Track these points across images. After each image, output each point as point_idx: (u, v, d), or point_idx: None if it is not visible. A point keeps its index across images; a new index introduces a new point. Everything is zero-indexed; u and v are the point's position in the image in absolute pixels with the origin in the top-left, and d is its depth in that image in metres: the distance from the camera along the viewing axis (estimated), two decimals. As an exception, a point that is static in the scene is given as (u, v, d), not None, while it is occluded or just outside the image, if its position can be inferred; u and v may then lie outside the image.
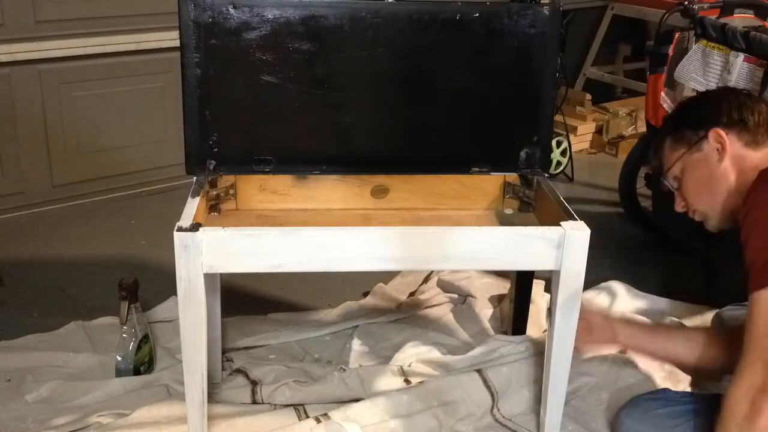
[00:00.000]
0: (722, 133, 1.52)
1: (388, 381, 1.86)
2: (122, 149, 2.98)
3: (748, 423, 1.27)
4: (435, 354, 1.99)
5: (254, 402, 1.81)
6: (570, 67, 3.73)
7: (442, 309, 2.25)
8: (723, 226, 1.59)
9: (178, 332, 2.01)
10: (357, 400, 1.77)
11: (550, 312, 1.56)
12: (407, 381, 1.86)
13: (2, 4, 2.59)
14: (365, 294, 2.35)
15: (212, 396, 1.80)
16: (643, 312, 2.24)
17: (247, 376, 1.91)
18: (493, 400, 1.80)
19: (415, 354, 1.97)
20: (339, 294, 2.33)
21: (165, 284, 2.17)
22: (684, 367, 1.84)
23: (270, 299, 2.30)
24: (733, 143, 1.52)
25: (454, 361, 1.94)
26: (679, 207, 1.63)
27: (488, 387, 1.82)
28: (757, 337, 1.31)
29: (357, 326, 2.14)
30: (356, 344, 2.06)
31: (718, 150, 1.53)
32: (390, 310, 2.24)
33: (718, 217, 1.57)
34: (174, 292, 2.10)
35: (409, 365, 1.93)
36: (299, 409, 1.77)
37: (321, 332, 2.12)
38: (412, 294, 2.36)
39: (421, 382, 1.83)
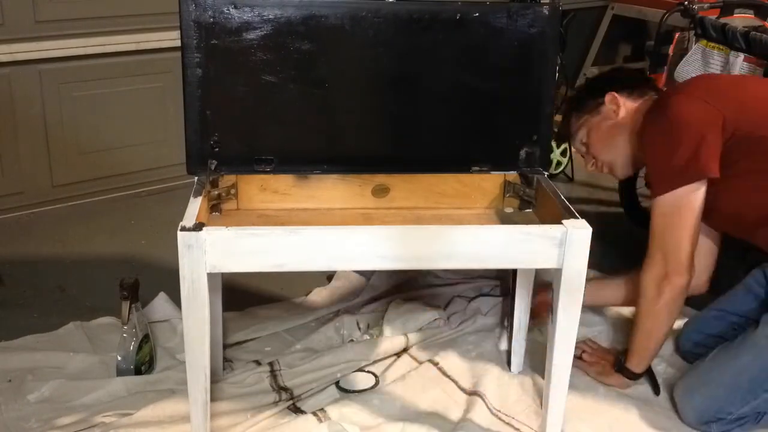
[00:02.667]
0: (615, 94, 1.87)
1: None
2: (122, 149, 2.98)
3: (654, 302, 1.75)
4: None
5: (279, 388, 1.86)
6: (570, 67, 3.73)
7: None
8: (629, 171, 1.95)
9: (175, 331, 2.05)
10: (362, 370, 1.92)
11: (552, 310, 1.57)
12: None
13: (2, 4, 2.59)
14: (329, 278, 2.40)
15: (218, 392, 1.81)
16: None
17: (259, 363, 1.95)
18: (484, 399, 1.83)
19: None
20: (302, 281, 2.37)
21: (165, 284, 2.19)
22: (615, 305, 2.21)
23: (237, 292, 2.27)
24: (624, 101, 1.88)
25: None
26: (589, 166, 1.97)
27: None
28: (655, 235, 1.73)
29: (339, 310, 2.21)
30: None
31: (613, 110, 1.88)
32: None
33: (623, 164, 1.91)
34: (167, 290, 2.16)
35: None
36: (298, 409, 1.79)
37: (306, 319, 2.16)
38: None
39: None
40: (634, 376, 1.87)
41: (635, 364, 1.85)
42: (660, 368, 1.96)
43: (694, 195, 1.69)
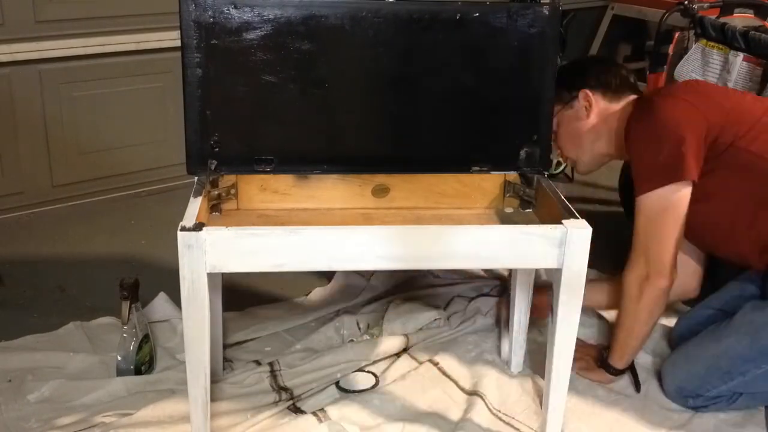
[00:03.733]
0: (590, 93, 1.87)
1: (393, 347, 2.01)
2: (122, 149, 2.98)
3: (635, 302, 1.76)
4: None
5: (279, 388, 1.85)
6: (569, 66, 3.73)
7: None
8: (592, 168, 1.99)
9: (175, 331, 2.05)
10: (362, 370, 1.92)
11: (552, 310, 1.57)
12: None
13: (2, 4, 2.59)
14: (329, 278, 2.40)
15: (218, 392, 1.81)
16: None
17: (259, 363, 1.95)
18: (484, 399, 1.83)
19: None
20: (302, 281, 2.37)
21: (165, 284, 2.19)
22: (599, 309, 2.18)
23: (237, 292, 2.27)
24: (598, 101, 1.87)
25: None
26: (555, 154, 1.96)
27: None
28: (639, 235, 1.75)
29: (339, 310, 2.20)
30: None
31: (586, 107, 1.88)
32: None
33: (587, 162, 1.96)
34: (167, 290, 2.16)
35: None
36: (298, 409, 1.79)
37: (306, 319, 2.16)
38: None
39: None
40: (616, 372, 1.89)
41: (617, 360, 1.88)
42: (651, 360, 1.99)
43: (678, 196, 1.70)
